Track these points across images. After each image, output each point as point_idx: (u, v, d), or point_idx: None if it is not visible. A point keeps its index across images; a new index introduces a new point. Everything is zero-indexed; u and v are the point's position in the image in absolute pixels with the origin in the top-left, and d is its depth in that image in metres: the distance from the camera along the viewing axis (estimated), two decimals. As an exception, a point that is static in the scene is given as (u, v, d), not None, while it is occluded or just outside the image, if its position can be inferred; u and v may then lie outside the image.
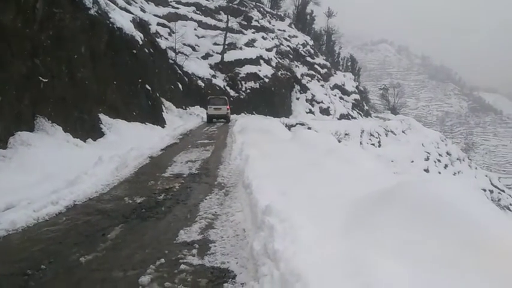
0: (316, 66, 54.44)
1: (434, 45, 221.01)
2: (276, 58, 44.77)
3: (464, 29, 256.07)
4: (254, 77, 39.61)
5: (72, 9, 11.86)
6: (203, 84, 34.07)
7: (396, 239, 3.94)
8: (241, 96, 37.60)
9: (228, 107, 23.61)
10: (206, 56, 38.58)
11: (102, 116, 13.07)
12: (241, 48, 41.30)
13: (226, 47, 39.44)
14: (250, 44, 43.45)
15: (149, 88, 18.35)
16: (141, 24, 21.87)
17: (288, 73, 45.17)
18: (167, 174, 8.79)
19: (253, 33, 46.23)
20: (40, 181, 7.23)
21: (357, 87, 63.04)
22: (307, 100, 46.46)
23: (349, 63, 78.82)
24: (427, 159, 41.55)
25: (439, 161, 43.37)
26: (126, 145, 11.20)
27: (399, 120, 52.00)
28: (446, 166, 43.45)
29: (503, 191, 46.31)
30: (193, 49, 37.89)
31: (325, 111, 47.16)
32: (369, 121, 48.77)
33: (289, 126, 26.91)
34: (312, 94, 47.43)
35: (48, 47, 10.17)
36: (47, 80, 9.75)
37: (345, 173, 7.44)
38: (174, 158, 10.87)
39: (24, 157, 8.25)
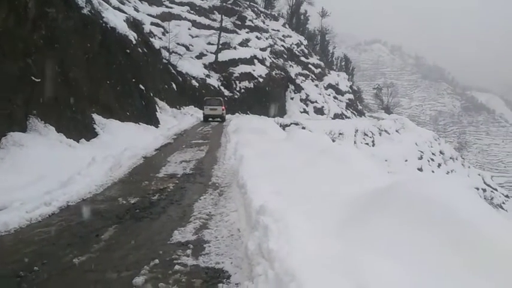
0: (310, 66, 54.57)
1: (427, 45, 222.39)
2: (270, 58, 44.80)
3: (456, 29, 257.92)
4: (248, 76, 39.62)
5: (65, 8, 11.77)
6: (197, 84, 34.01)
7: (390, 238, 3.95)
8: (236, 96, 37.59)
9: (223, 107, 24.67)
10: (200, 56, 38.53)
11: (95, 116, 12.98)
12: (235, 48, 41.27)
13: (220, 46, 39.40)
14: (244, 43, 43.44)
15: (143, 88, 18.27)
16: (134, 24, 21.78)
17: (282, 73, 45.23)
18: (161, 175, 8.77)
19: (247, 33, 46.22)
20: (33, 182, 7.17)
21: (350, 86, 63.28)
22: (301, 100, 46.58)
23: (343, 63, 79.10)
24: (421, 158, 41.82)
25: (432, 160, 43.67)
26: (119, 145, 11.14)
27: (393, 119, 52.29)
28: (439, 165, 43.77)
29: (496, 189, 46.77)
30: (187, 49, 37.82)
31: (320, 111, 47.28)
32: (362, 121, 49.00)
33: (283, 126, 26.96)
34: (306, 94, 47.54)
35: (41, 46, 10.08)
36: (39, 80, 9.66)
37: (339, 172, 7.45)
38: (168, 158, 10.84)
39: (16, 158, 8.18)
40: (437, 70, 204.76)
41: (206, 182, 8.15)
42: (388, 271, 3.39)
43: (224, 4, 43.81)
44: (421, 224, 3.98)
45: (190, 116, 26.71)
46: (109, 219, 5.62)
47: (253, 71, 40.31)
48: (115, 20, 16.61)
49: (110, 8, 18.22)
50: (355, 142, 36.77)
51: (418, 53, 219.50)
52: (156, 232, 5.17)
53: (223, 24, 40.77)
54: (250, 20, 48.63)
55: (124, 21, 18.35)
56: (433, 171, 40.42)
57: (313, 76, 53.36)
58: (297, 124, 31.08)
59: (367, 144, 39.33)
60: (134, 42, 18.37)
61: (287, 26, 60.79)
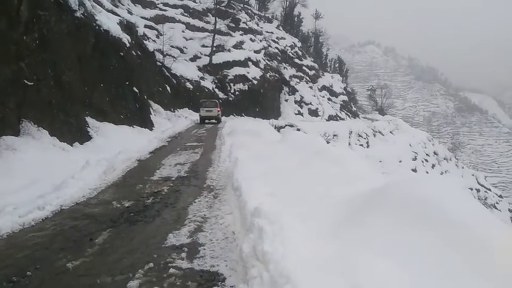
0: (304, 67, 54.72)
1: (420, 46, 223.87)
2: (264, 60, 44.87)
3: (449, 30, 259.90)
4: (243, 78, 39.64)
5: (57, 11, 11.71)
6: (191, 87, 33.98)
7: (385, 239, 3.96)
8: (230, 98, 37.58)
9: (218, 109, 25.75)
10: (194, 58, 38.52)
11: (89, 119, 12.92)
12: (229, 50, 41.30)
13: (214, 49, 39.41)
14: (239, 46, 43.47)
15: (137, 91, 18.21)
16: (128, 27, 21.71)
17: (277, 75, 45.33)
18: (156, 178, 8.73)
19: (241, 35, 46.26)
20: (26, 186, 7.11)
21: (344, 88, 63.52)
22: (295, 102, 46.69)
23: (336, 65, 79.39)
24: (415, 159, 42.05)
25: (426, 160, 43.92)
26: (113, 148, 11.10)
27: (387, 120, 52.59)
28: (433, 166, 44.03)
29: (490, 189, 47.10)
30: (181, 51, 37.79)
31: (314, 113, 47.40)
32: (357, 122, 49.22)
33: (278, 128, 27.01)
34: (300, 96, 47.66)
35: (34, 49, 10.01)
36: (32, 84, 9.60)
37: (333, 173, 7.46)
38: (163, 161, 10.81)
39: (9, 162, 8.11)
40: (431, 71, 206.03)
41: (201, 184, 8.13)
42: (383, 271, 3.39)
43: (218, 6, 43.88)
44: (416, 225, 4.00)
45: (185, 118, 26.67)
46: (103, 223, 5.59)
47: (248, 73, 40.34)
48: (108, 22, 16.55)
49: (103, 10, 18.16)
50: (349, 143, 36.89)
51: (411, 55, 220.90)
52: (151, 235, 5.14)
53: (217, 27, 40.79)
54: (244, 23, 48.70)
55: (117, 24, 18.28)
56: (427, 172, 40.64)
57: (308, 78, 53.51)
58: (291, 126, 31.15)
59: (361, 145, 39.48)
60: (128, 45, 18.32)
61: (281, 28, 60.96)
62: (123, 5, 35.66)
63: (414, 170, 39.10)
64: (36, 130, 9.64)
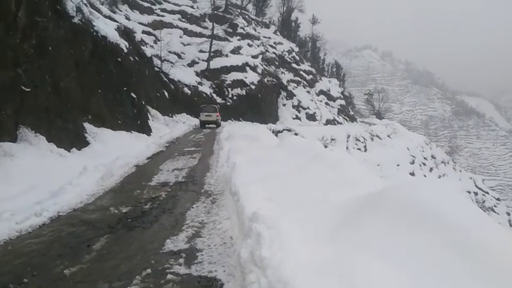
0: (301, 72, 54.85)
1: (417, 50, 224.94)
2: (261, 65, 44.97)
3: (445, 34, 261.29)
4: (240, 83, 39.70)
5: (55, 18, 11.73)
6: (189, 92, 34.02)
7: (383, 242, 3.97)
8: (228, 103, 37.61)
9: (217, 114, 27.12)
10: (192, 64, 38.57)
11: (86, 125, 12.91)
12: (227, 56, 41.39)
13: (212, 54, 39.48)
14: (236, 51, 43.57)
15: (134, 96, 18.23)
16: (125, 32, 21.76)
17: (274, 80, 45.41)
18: (153, 183, 8.72)
19: (239, 40, 46.39)
20: (23, 192, 7.09)
21: (342, 92, 63.67)
22: (293, 106, 46.74)
23: (334, 69, 79.58)
24: (413, 162, 42.08)
25: (424, 164, 43.95)
26: (111, 154, 11.08)
27: (384, 124, 52.66)
28: (431, 169, 44.06)
29: (487, 192, 47.13)
30: (179, 56, 37.86)
31: (312, 117, 47.46)
32: (354, 126, 49.27)
33: (276, 133, 27.03)
34: (298, 100, 47.72)
35: (31, 56, 10.02)
36: (29, 90, 9.59)
37: (331, 177, 7.47)
38: (161, 166, 10.79)
39: (6, 168, 8.08)
40: (428, 75, 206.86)
41: (199, 190, 8.12)
42: (381, 275, 3.40)
43: (215, 12, 44.06)
44: (413, 228, 4.01)
45: (183, 123, 26.69)
46: (100, 229, 5.57)
47: (245, 78, 40.41)
48: (106, 28, 16.59)
49: (101, 16, 18.21)
50: (347, 148, 36.92)
51: (408, 59, 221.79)
52: (148, 241, 5.13)
53: (214, 32, 40.92)
54: (241, 28, 48.83)
55: (115, 29, 18.33)
56: (425, 176, 40.67)
57: (305, 83, 53.63)
58: (289, 130, 31.14)
59: (359, 149, 39.51)
60: (125, 50, 18.35)
61: (278, 33, 61.13)
62: (120, 10, 35.81)
63: (412, 174, 39.13)
64: (34, 136, 9.62)
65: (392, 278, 3.36)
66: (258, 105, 39.96)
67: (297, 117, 45.67)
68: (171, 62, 34.27)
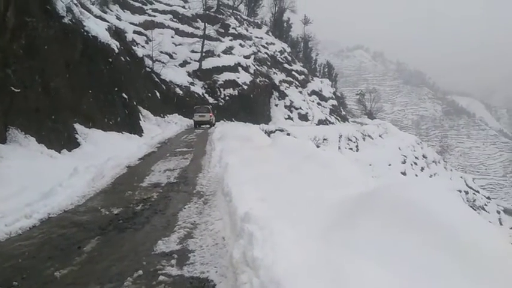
0: (293, 72, 54.94)
1: (408, 51, 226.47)
2: (254, 65, 44.94)
3: (436, 34, 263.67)
4: (233, 84, 39.63)
5: (45, 18, 11.62)
6: (181, 92, 33.88)
7: (375, 242, 3.99)
8: (220, 104, 37.52)
9: (210, 114, 27.96)
10: (184, 64, 38.42)
11: (77, 126, 12.79)
12: (219, 56, 41.30)
13: (204, 54, 39.37)
14: (228, 51, 43.50)
15: (126, 96, 18.11)
16: (116, 33, 21.62)
17: (266, 80, 45.43)
18: (145, 184, 8.67)
19: (231, 40, 46.32)
20: (13, 194, 7.00)
21: (334, 93, 63.86)
22: (285, 106, 46.78)
23: (326, 70, 79.81)
24: (404, 162, 42.33)
25: (415, 163, 44.23)
26: (102, 155, 11.01)
27: (376, 124, 52.92)
28: (422, 169, 44.35)
29: (478, 191, 47.56)
30: (171, 57, 37.69)
31: (304, 117, 47.54)
32: (346, 126, 49.45)
33: (268, 133, 27.05)
34: (290, 100, 47.78)
35: (21, 56, 9.91)
36: (19, 90, 9.48)
37: (323, 177, 7.49)
38: (152, 167, 10.74)
39: (-5, 170, 7.99)
40: (419, 75, 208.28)
41: (191, 190, 8.09)
42: (373, 276, 3.41)
43: (207, 12, 43.93)
44: (405, 228, 4.03)
45: (175, 124, 26.57)
46: (91, 230, 5.53)
47: (238, 78, 40.35)
48: (97, 28, 16.46)
49: (92, 16, 18.06)
50: (339, 147, 37.04)
51: (399, 59, 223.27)
52: (140, 243, 5.10)
53: (206, 32, 40.80)
54: (233, 28, 48.78)
55: (106, 29, 18.21)
56: (416, 175, 40.93)
57: (297, 83, 53.71)
58: (281, 130, 31.17)
59: (351, 149, 39.65)
60: (116, 50, 18.23)
61: (270, 33, 61.17)
62: (111, 11, 35.57)
63: (403, 173, 39.36)
64: (24, 137, 9.52)
65: (384, 278, 3.38)
66: (251, 105, 39.93)
67: (289, 118, 45.72)
68: (163, 62, 34.10)
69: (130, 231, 5.56)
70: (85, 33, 15.14)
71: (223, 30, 46.61)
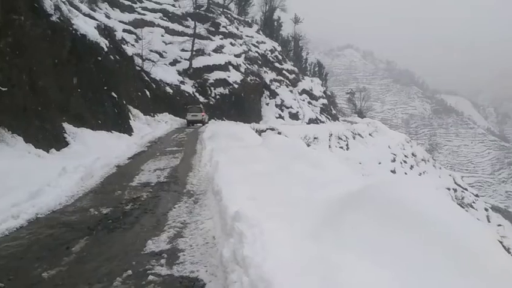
0: (284, 71, 54.96)
1: (397, 50, 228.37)
2: (244, 64, 44.88)
3: (424, 35, 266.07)
4: (223, 83, 39.54)
5: (32, 15, 11.47)
6: (171, 91, 33.70)
7: (364, 240, 4.01)
8: (211, 102, 37.42)
9: (202, 113, 29.66)
10: (174, 63, 38.21)
11: (65, 125, 12.66)
12: (209, 55, 41.15)
13: (194, 53, 39.21)
14: (219, 50, 43.39)
15: (115, 96, 17.95)
16: (106, 31, 21.41)
17: (257, 79, 45.38)
18: (135, 184, 8.62)
19: (221, 39, 46.19)
20: (0, 194, 6.91)
21: (324, 92, 64.01)
22: (276, 105, 46.79)
23: (316, 69, 79.99)
24: (394, 160, 42.64)
25: (405, 162, 44.58)
26: (91, 154, 10.91)
27: (366, 123, 53.24)
28: (412, 167, 44.72)
29: (466, 189, 48.10)
30: (161, 55, 37.46)
31: (295, 116, 47.59)
32: (336, 125, 49.63)
33: (259, 132, 27.04)
34: (281, 99, 47.79)
35: (7, 54, 9.77)
36: (6, 89, 9.36)
37: (314, 176, 7.52)
38: (142, 166, 10.68)
39: (-18, 170, 7.87)
40: (408, 74, 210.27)
41: (181, 190, 8.06)
42: (363, 273, 3.43)
43: (197, 11, 43.73)
44: (394, 226, 4.06)
45: (165, 123, 26.46)
46: (80, 230, 5.47)
47: (228, 77, 40.27)
48: (85, 27, 16.29)
49: (80, 14, 17.87)
50: (329, 146, 37.20)
51: (389, 58, 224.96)
52: (129, 242, 5.06)
53: (196, 31, 40.62)
54: (224, 27, 48.65)
55: (95, 28, 18.01)
56: (405, 173, 41.27)
57: (288, 82, 53.75)
58: (273, 129, 31.22)
59: (341, 148, 39.85)
60: (106, 49, 18.06)
61: (261, 32, 61.10)
62: (100, 9, 35.22)
63: (393, 171, 39.64)
64: (11, 137, 9.39)
65: (375, 276, 3.40)
66: (241, 104, 39.88)
67: (280, 117, 45.74)
68: (153, 61, 33.89)
69: (119, 231, 5.52)
70: (73, 32, 14.97)
71: (213, 29, 46.45)
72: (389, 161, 41.61)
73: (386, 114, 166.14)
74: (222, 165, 9.03)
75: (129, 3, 41.76)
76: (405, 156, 45.86)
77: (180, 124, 28.18)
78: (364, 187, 5.52)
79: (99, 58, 16.83)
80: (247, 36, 53.66)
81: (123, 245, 4.96)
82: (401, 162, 43.54)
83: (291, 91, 52.08)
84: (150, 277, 4.01)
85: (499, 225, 38.81)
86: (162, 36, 40.48)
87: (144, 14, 41.55)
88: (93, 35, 16.75)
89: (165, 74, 34.66)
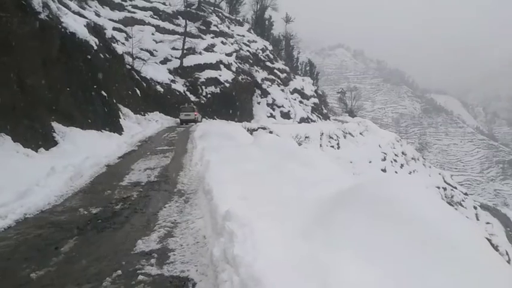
0: (275, 71, 55.00)
1: (387, 50, 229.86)
2: (236, 63, 44.82)
3: (414, 34, 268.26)
4: (214, 81, 39.44)
5: (19, 13, 11.31)
6: (162, 90, 33.51)
7: (355, 239, 4.03)
8: (202, 101, 37.30)
9: (195, 113, 30.34)
10: (165, 61, 37.98)
11: (55, 124, 12.51)
12: (200, 53, 41.00)
13: (185, 51, 39.03)
14: (210, 48, 43.26)
15: (105, 94, 17.80)
16: (95, 29, 21.22)
17: (249, 78, 45.38)
18: (125, 183, 8.55)
19: (213, 38, 46.07)
20: (-13, 194, 6.82)
21: (315, 91, 64.18)
22: (268, 104, 46.82)
23: (307, 68, 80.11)
24: (384, 159, 42.92)
25: (395, 160, 44.89)
26: (81, 154, 10.81)
27: (356, 122, 53.51)
28: (402, 166, 45.05)
29: (456, 188, 48.63)
30: (151, 54, 37.23)
31: (286, 115, 47.68)
32: (328, 124, 49.80)
33: (251, 131, 27.02)
34: (272, 98, 47.84)
35: (-6, 52, 9.65)
36: (-7, 88, 9.24)
37: (305, 175, 7.54)
38: (132, 165, 10.61)
39: (-31, 169, 7.76)
40: (398, 74, 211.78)
41: (171, 189, 8.02)
42: (353, 272, 3.44)
43: (188, 9, 43.55)
44: (384, 224, 4.09)
45: (156, 122, 26.30)
46: (69, 230, 5.42)
47: (219, 76, 40.18)
48: (75, 25, 16.12)
49: (70, 12, 17.68)
50: (321, 145, 37.33)
51: (379, 58, 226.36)
52: (119, 242, 5.03)
53: (187, 29, 40.45)
54: (215, 25, 48.50)
55: (84, 26, 17.83)
56: (396, 172, 41.56)
57: (279, 81, 53.81)
58: (264, 128, 31.24)
59: (332, 147, 40.00)
60: (95, 47, 17.90)
61: (252, 31, 61.08)
62: (90, 7, 34.85)
63: (384, 170, 39.90)
64: (-2, 136, 9.26)
65: (365, 272, 3.41)
66: (233, 103, 39.84)
67: (272, 116, 45.79)
68: (143, 60, 33.66)
69: (109, 231, 5.48)
70: (63, 30, 14.81)
71: (204, 28, 46.31)
72: (379, 160, 41.86)
73: (376, 113, 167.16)
74: (213, 165, 9.01)
75: (119, 1, 41.40)
76: (395, 155, 46.20)
77: (170, 123, 28.03)
78: (355, 186, 5.55)
79: (89, 57, 16.68)
80: (238, 35, 53.61)
81: (113, 245, 4.92)
82: (391, 161, 43.84)
83: (283, 90, 52.17)
84: (140, 277, 3.99)
85: (488, 223, 39.36)
86: (153, 34, 40.23)
87: (134, 12, 41.24)
88: (83, 33, 16.59)
89: (156, 72, 34.45)
